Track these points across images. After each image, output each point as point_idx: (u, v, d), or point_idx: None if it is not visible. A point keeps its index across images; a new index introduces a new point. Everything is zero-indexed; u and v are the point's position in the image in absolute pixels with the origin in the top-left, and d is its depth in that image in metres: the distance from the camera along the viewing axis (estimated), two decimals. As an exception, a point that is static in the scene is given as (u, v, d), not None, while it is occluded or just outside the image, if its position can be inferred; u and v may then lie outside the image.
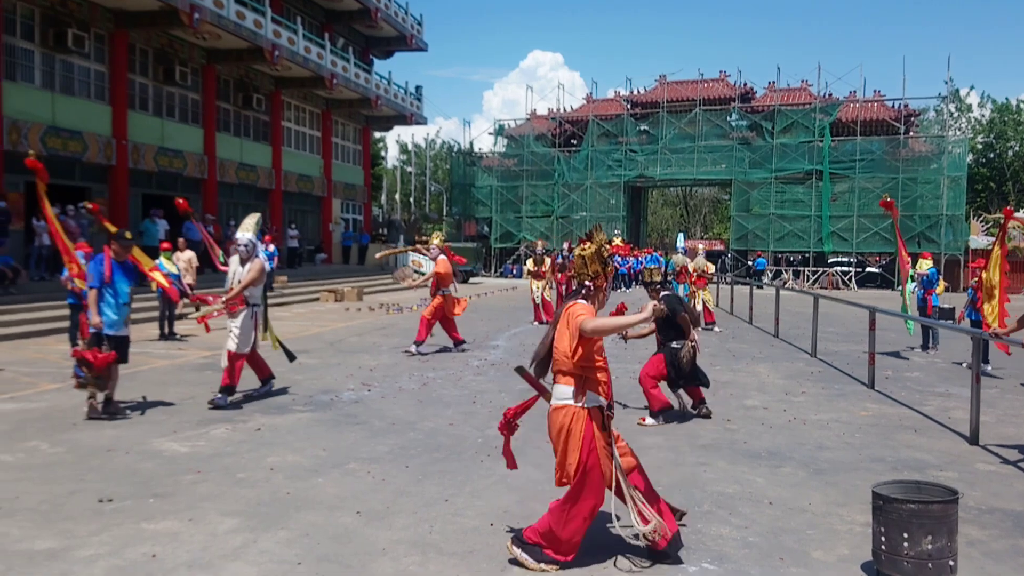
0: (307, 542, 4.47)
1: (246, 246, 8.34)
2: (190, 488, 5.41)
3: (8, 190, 18.00)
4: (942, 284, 13.93)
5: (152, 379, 9.68)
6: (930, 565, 3.88)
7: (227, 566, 4.12)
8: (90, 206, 9.51)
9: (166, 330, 13.55)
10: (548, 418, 4.29)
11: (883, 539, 3.99)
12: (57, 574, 4.00)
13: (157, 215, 20.50)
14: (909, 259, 12.98)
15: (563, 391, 4.24)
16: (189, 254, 15.39)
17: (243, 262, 8.35)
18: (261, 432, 7.07)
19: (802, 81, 40.52)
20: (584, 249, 4.48)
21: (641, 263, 33.91)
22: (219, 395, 8.05)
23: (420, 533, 4.64)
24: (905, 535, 3.91)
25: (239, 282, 8.25)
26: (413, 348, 11.99)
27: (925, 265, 13.45)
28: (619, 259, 34.25)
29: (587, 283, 4.41)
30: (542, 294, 17.21)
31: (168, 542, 4.43)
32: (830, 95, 38.34)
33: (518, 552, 4.21)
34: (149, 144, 22.80)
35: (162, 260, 13.46)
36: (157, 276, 9.45)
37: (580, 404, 4.19)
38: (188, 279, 14.57)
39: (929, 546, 3.87)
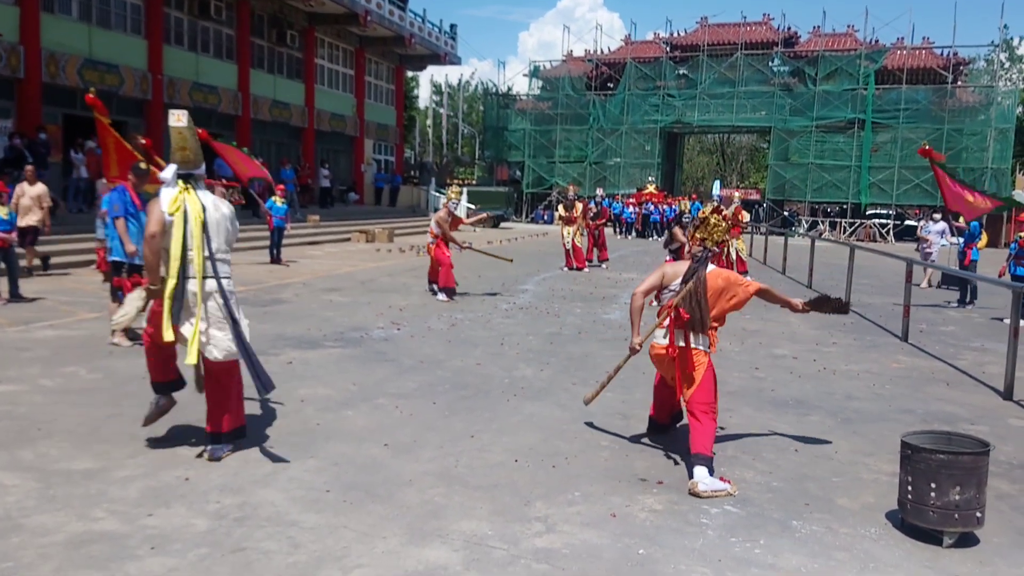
0: (336, 471, 4.56)
1: None
2: (222, 416, 5.52)
3: (47, 122, 18.18)
4: (984, 238, 13.62)
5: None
6: (956, 516, 3.85)
7: (258, 491, 4.23)
8: (143, 141, 9.56)
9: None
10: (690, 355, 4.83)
11: (910, 488, 3.97)
12: (94, 493, 4.13)
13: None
14: (983, 201, 11.96)
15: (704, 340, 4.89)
16: (40, 189, 11.83)
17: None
18: (292, 365, 7.18)
19: (848, 26, 39.15)
20: (721, 220, 5.04)
21: (675, 211, 33.56)
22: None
23: (446, 466, 4.71)
24: (933, 485, 3.87)
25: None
26: None
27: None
28: (651, 207, 33.98)
29: (714, 248, 4.97)
30: (573, 240, 17.12)
31: (201, 467, 4.55)
32: (876, 41, 37.14)
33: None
34: (184, 79, 22.82)
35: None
36: None
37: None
38: (31, 220, 11.71)
39: (957, 497, 3.84)
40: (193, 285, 4.65)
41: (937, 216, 16.18)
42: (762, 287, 4.96)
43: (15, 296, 10.14)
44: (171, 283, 4.63)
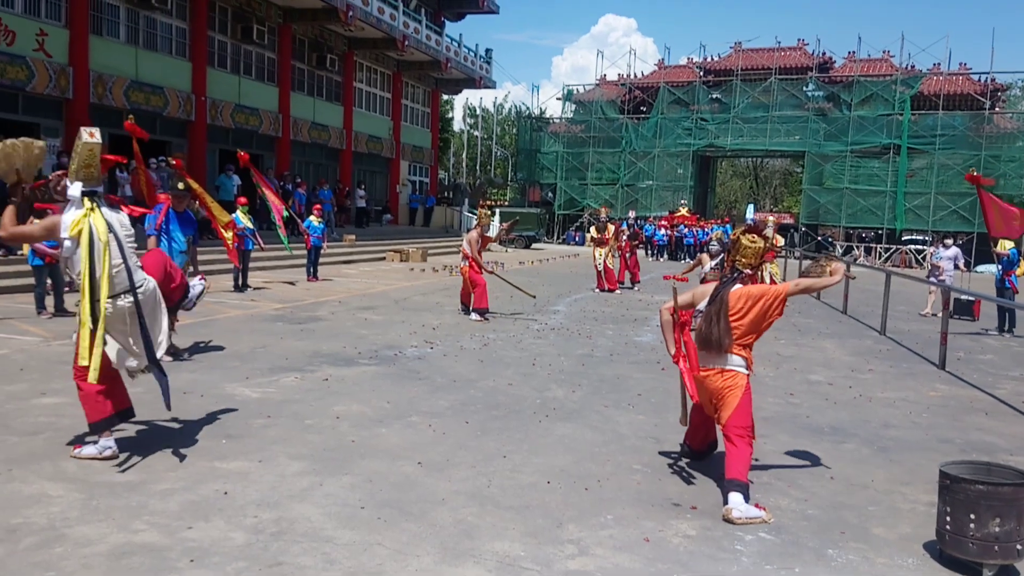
0: (370, 488, 4.61)
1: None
2: (260, 432, 5.62)
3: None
4: (1023, 265, 13.38)
5: (226, 327, 10.02)
6: (996, 548, 3.79)
7: (294, 506, 4.29)
8: (174, 161, 9.82)
9: (239, 282, 13.96)
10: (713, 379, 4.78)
11: (948, 519, 3.91)
12: (135, 505, 4.21)
13: (231, 170, 21.01)
14: None
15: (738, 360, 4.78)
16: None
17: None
18: (328, 382, 7.27)
19: (884, 51, 38.94)
20: (754, 241, 4.89)
21: (708, 235, 33.42)
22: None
23: (478, 486, 4.74)
24: (972, 516, 3.82)
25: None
26: None
27: (1007, 245, 12.92)
28: (684, 229, 33.89)
29: (747, 272, 4.86)
30: (604, 262, 17.13)
31: (239, 481, 4.63)
32: (912, 67, 36.82)
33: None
34: (226, 101, 23.30)
35: (238, 214, 13.87)
36: (227, 236, 9.74)
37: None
38: None
39: (996, 529, 3.78)
40: (110, 306, 4.73)
41: (948, 242, 15.78)
42: (793, 288, 4.84)
43: (60, 310, 10.39)
44: (86, 304, 4.64)
